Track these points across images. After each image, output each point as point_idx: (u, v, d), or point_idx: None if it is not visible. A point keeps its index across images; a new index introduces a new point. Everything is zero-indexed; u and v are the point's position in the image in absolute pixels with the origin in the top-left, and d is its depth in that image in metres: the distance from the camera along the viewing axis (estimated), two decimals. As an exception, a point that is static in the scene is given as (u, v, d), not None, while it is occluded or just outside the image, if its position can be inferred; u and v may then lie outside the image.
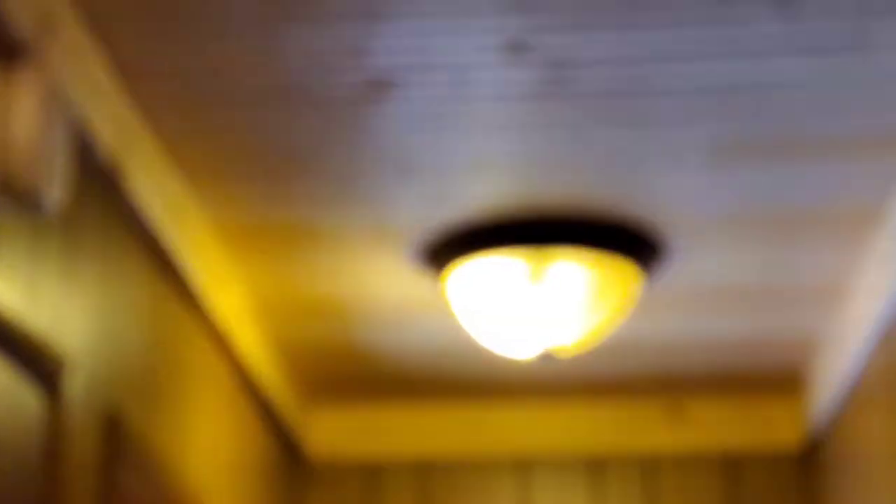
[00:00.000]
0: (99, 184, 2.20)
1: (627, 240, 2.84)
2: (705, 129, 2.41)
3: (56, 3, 1.92)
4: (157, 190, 2.44)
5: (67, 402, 1.99)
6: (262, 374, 3.37)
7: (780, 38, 2.13)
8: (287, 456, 3.74)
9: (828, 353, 3.44)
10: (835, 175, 2.57)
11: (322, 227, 2.82)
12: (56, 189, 1.75)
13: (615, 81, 2.26)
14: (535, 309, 2.85)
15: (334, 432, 3.94)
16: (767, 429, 3.86)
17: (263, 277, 3.07)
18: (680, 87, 2.28)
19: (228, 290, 3.01)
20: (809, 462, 3.81)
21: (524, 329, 2.88)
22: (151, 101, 2.29)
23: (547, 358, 2.94)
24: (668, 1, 2.04)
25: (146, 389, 2.50)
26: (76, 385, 2.04)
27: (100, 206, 2.21)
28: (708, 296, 3.15)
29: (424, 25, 2.10)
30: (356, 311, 3.26)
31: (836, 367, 3.36)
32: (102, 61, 2.14)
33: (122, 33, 2.10)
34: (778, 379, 3.71)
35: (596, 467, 3.88)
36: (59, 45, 1.92)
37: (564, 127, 2.41)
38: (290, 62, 2.19)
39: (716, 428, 3.86)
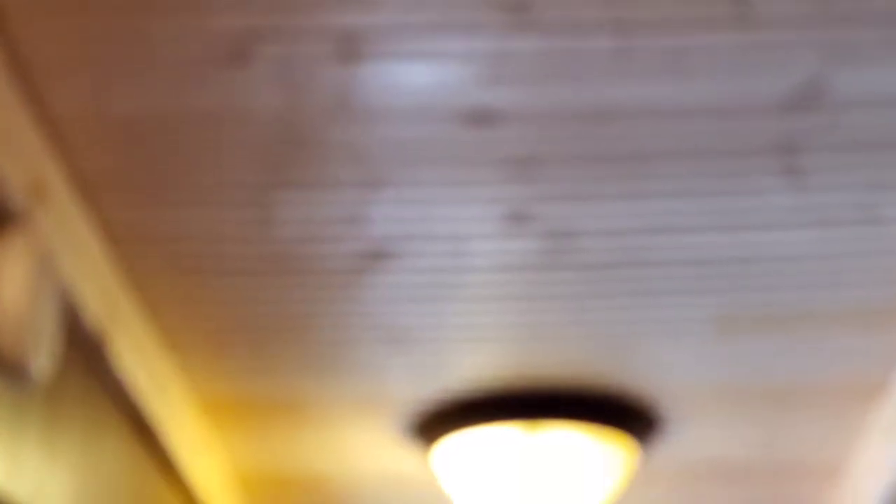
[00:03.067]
0: (83, 353, 2.11)
1: (624, 412, 2.76)
2: (707, 300, 2.35)
3: (47, 170, 1.85)
4: (140, 360, 2.36)
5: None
6: (240, 549, 3.25)
7: (787, 210, 2.08)
8: None
9: (826, 530, 3.34)
10: (839, 347, 2.51)
11: (307, 400, 2.73)
12: (43, 359, 1.67)
13: (617, 252, 2.20)
14: (529, 483, 2.75)
15: None
16: None
17: (245, 450, 2.97)
18: (683, 258, 2.22)
19: (209, 463, 2.90)
20: None
21: (517, 501, 2.78)
22: (139, 268, 2.21)
23: (541, 536, 2.84)
24: (673, 172, 1.99)
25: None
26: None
27: (83, 376, 2.12)
28: (704, 470, 3.07)
29: (424, 194, 2.05)
30: (340, 487, 3.15)
31: (834, 546, 3.26)
32: (91, 228, 2.07)
33: (112, 200, 2.03)
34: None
35: None
36: (49, 212, 1.85)
37: (562, 298, 2.34)
38: (283, 231, 2.12)
39: None
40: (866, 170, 1.97)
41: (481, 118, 1.86)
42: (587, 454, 2.77)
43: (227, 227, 2.11)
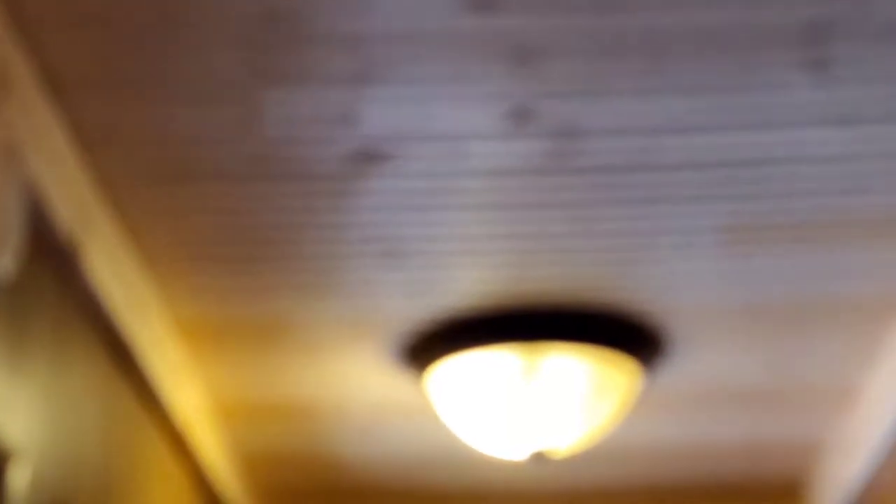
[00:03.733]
0: (53, 263, 1.95)
1: (628, 334, 2.62)
2: (720, 207, 2.20)
3: (10, 59, 1.69)
4: (115, 276, 2.20)
5: (11, 498, 1.73)
6: (221, 481, 3.10)
7: (810, 106, 1.93)
8: (247, 573, 3.46)
9: (834, 460, 3.21)
10: (860, 261, 2.36)
11: (292, 322, 2.58)
12: (5, 258, 1.51)
13: (625, 154, 2.04)
14: (528, 408, 2.61)
15: (298, 548, 3.65)
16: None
17: (226, 377, 2.82)
18: (696, 160, 2.07)
19: (188, 389, 2.75)
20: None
21: (515, 430, 2.64)
22: (114, 174, 2.05)
23: (539, 460, 2.70)
24: (687, 66, 1.83)
25: (98, 487, 2.23)
26: (20, 480, 1.78)
27: (52, 287, 1.96)
28: (712, 395, 2.93)
29: (420, 90, 1.89)
30: (326, 416, 3.01)
31: (842, 476, 3.13)
32: (62, 128, 1.90)
33: (83, 97, 1.86)
34: (779, 488, 3.48)
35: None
36: (13, 104, 1.69)
37: (566, 206, 2.19)
38: (268, 131, 1.96)
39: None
40: (898, 60, 1.83)
41: (482, 4, 1.71)
42: (589, 378, 2.63)
43: (207, 128, 1.95)
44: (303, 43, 1.76)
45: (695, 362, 2.76)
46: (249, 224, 2.21)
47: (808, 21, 1.74)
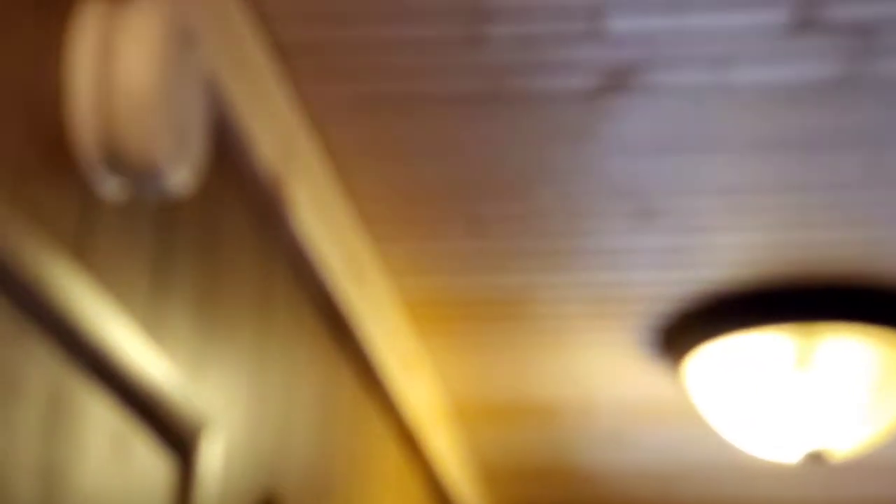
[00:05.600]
0: (254, 203, 1.70)
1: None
2: None
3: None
4: (326, 229, 1.93)
5: (203, 476, 1.46)
6: (456, 491, 2.82)
7: None
8: None
9: None
10: None
11: (531, 299, 2.28)
12: (183, 169, 1.26)
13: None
14: (803, 401, 2.25)
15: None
16: None
17: (459, 366, 2.54)
18: None
19: (418, 378, 2.48)
20: None
21: (788, 427, 2.28)
22: (319, 106, 1.79)
23: (817, 462, 2.33)
24: None
25: (311, 480, 1.96)
26: (214, 459, 1.52)
27: (254, 235, 1.71)
28: None
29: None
30: (571, 417, 2.70)
31: None
32: (257, 41, 1.65)
33: (277, 1, 1.61)
34: None
35: None
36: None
37: (856, 145, 1.83)
38: (499, 54, 1.68)
39: None
40: None
41: None
42: (876, 366, 2.25)
43: (429, 52, 1.68)
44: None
45: None
46: (476, 167, 1.92)
47: None
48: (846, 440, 2.30)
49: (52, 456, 1.14)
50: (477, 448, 2.87)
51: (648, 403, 2.61)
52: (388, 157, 1.89)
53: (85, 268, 1.22)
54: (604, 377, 2.53)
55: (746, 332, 2.25)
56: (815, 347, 2.23)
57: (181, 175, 1.28)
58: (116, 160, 1.22)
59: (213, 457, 1.50)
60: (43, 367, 1.12)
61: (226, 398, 1.60)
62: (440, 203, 2.01)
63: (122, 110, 1.21)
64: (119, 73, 1.21)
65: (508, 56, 1.66)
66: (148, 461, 1.35)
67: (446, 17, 1.60)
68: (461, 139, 1.84)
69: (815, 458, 2.33)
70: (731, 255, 2.12)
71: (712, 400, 2.34)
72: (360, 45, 1.65)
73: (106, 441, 1.25)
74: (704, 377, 2.33)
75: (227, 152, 1.60)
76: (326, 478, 2.05)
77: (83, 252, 1.22)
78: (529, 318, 2.34)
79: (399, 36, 1.64)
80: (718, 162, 1.88)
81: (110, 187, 1.26)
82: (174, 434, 1.40)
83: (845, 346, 2.23)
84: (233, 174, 1.62)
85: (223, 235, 1.59)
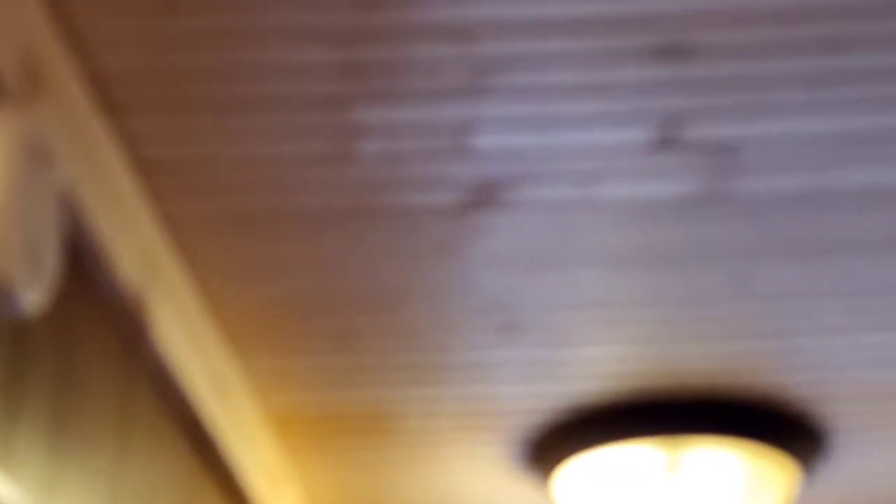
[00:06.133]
0: (114, 321, 1.66)
1: (785, 426, 2.25)
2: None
3: (44, 55, 1.42)
4: (192, 349, 1.90)
5: None
6: None
7: None
8: None
9: None
10: None
11: (398, 413, 2.26)
12: (35, 289, 1.22)
13: (793, 181, 1.69)
14: (673, 512, 2.25)
15: None
16: None
17: (325, 481, 2.50)
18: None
19: (285, 494, 2.43)
20: None
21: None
22: (181, 218, 1.75)
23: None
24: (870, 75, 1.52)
25: None
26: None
27: (112, 350, 1.66)
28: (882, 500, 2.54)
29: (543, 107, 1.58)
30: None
31: None
32: (118, 154, 1.61)
33: (142, 117, 1.58)
34: None
35: None
36: (50, 105, 1.42)
37: (720, 260, 1.85)
38: (363, 168, 1.67)
39: None
40: None
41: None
42: (740, 478, 2.26)
43: (294, 163, 1.66)
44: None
45: (861, 460, 2.38)
46: (344, 282, 1.90)
47: None
48: (716, 552, 2.30)
49: None
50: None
51: (517, 515, 2.59)
52: (254, 272, 1.86)
53: (-67, 395, 1.17)
54: (474, 490, 2.51)
55: (615, 445, 2.25)
56: (683, 459, 2.24)
57: (34, 295, 1.24)
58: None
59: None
60: None
61: (83, 523, 1.54)
62: (308, 319, 1.98)
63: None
64: (-28, 193, 1.18)
65: (376, 172, 1.66)
66: None
67: (313, 133, 1.59)
68: (329, 255, 1.83)
69: (686, 570, 2.32)
70: (599, 368, 2.12)
71: (582, 512, 2.34)
72: (224, 162, 1.63)
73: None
74: (574, 489, 2.32)
75: (85, 271, 1.56)
76: None
77: (-69, 378, 1.17)
78: (398, 433, 2.32)
79: (264, 153, 1.62)
80: (585, 276, 1.89)
81: (-39, 310, 1.21)
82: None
83: (713, 456, 2.24)
84: (92, 293, 1.58)
85: (81, 355, 1.55)
